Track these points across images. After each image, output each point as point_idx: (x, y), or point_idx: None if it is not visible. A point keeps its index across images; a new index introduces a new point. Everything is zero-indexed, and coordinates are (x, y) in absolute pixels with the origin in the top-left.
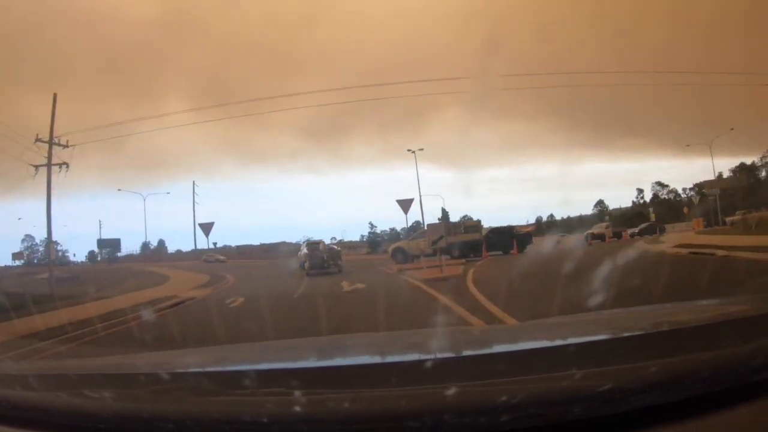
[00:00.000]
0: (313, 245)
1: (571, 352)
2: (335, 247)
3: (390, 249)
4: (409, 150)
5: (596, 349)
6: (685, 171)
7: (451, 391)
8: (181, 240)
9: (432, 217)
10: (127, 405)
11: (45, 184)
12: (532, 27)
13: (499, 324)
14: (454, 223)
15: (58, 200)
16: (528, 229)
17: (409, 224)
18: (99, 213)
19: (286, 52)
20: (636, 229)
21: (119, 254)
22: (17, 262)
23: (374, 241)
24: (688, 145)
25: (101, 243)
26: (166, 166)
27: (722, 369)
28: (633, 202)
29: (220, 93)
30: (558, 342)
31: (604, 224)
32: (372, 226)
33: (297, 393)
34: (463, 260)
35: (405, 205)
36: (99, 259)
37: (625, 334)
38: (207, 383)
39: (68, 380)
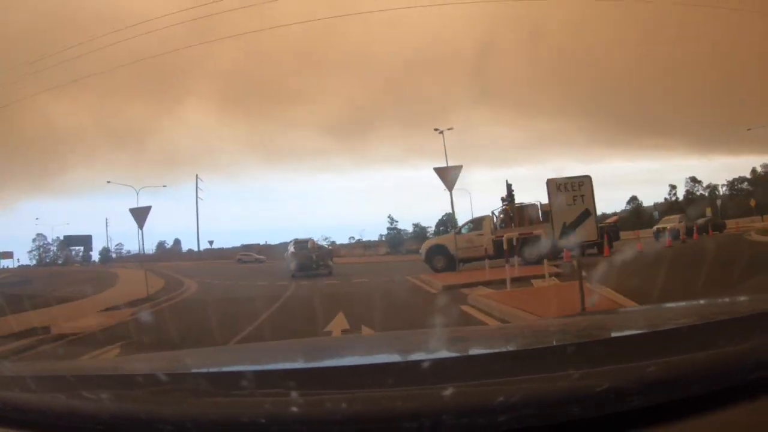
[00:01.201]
0: (300, 243)
1: (568, 352)
2: (325, 245)
3: (423, 248)
4: (436, 129)
5: (593, 349)
6: (706, 169)
7: (448, 391)
8: (211, 238)
9: (462, 213)
10: (126, 406)
11: (59, 184)
12: (559, 27)
13: (496, 324)
14: (531, 206)
15: (68, 198)
16: (613, 220)
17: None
18: (123, 211)
19: (311, 52)
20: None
21: (129, 253)
22: (6, 263)
23: (395, 239)
24: (749, 129)
25: (69, 240)
26: (184, 164)
27: (718, 369)
28: (665, 198)
29: (241, 92)
30: (556, 342)
31: (676, 217)
32: (392, 220)
33: (294, 394)
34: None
35: (448, 175)
36: (96, 259)
37: (622, 334)
38: (205, 384)
39: (66, 382)
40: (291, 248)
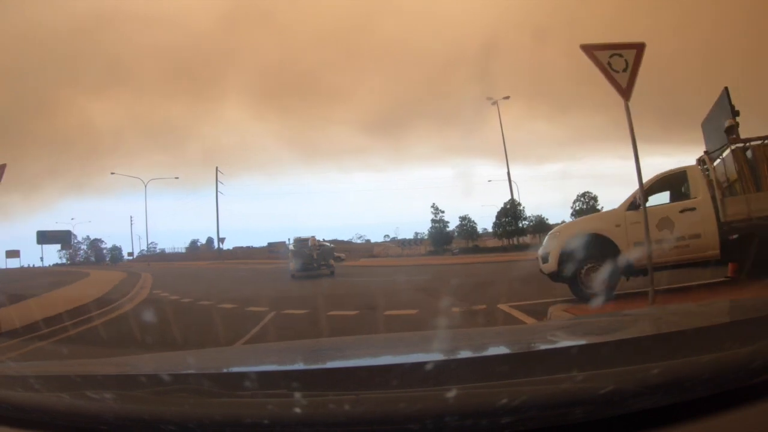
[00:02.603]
0: (300, 242)
1: (572, 354)
2: (327, 243)
3: (555, 242)
4: (488, 99)
5: (597, 351)
6: None
7: (452, 393)
8: (243, 237)
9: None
10: (129, 406)
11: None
12: (596, 18)
13: (500, 326)
14: None
15: (97, 198)
16: None
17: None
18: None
19: (345, 47)
20: None
21: (164, 251)
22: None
23: (441, 235)
24: None
25: (42, 237)
26: (222, 163)
27: (723, 371)
28: None
29: (274, 87)
30: (559, 344)
31: None
32: (437, 211)
33: (298, 395)
34: None
35: (621, 59)
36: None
37: (626, 336)
38: (208, 385)
39: (70, 381)
40: (291, 247)
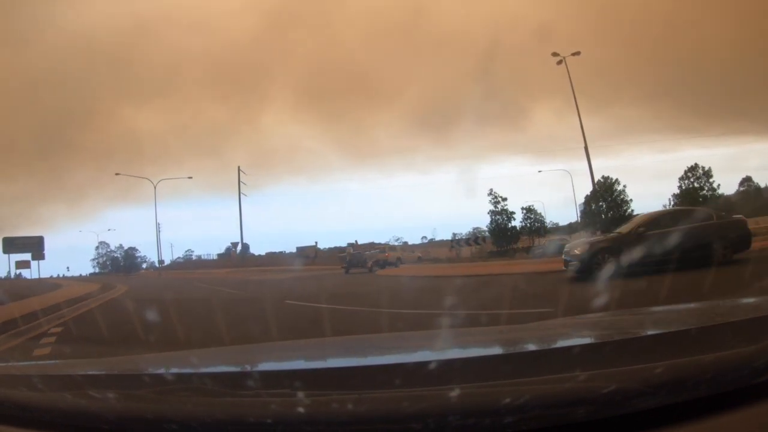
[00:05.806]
0: (346, 250)
1: (575, 354)
2: (358, 252)
3: None
4: (554, 54)
5: (600, 350)
6: None
7: (454, 392)
8: (279, 242)
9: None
10: (132, 406)
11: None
12: (634, 9)
13: (502, 325)
14: None
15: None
16: None
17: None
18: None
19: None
20: None
21: (200, 258)
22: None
23: (505, 231)
24: None
25: (8, 245)
26: (266, 167)
27: (726, 371)
28: None
29: (320, 90)
30: (562, 343)
31: None
32: (497, 199)
33: (301, 394)
34: None
35: None
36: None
37: (629, 336)
38: (211, 384)
39: (73, 381)
40: (340, 255)
